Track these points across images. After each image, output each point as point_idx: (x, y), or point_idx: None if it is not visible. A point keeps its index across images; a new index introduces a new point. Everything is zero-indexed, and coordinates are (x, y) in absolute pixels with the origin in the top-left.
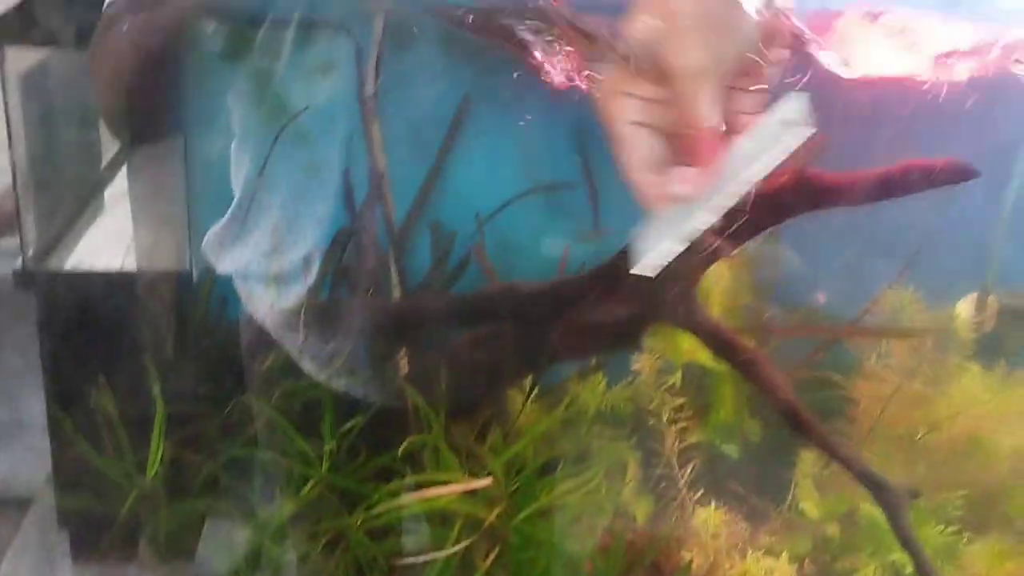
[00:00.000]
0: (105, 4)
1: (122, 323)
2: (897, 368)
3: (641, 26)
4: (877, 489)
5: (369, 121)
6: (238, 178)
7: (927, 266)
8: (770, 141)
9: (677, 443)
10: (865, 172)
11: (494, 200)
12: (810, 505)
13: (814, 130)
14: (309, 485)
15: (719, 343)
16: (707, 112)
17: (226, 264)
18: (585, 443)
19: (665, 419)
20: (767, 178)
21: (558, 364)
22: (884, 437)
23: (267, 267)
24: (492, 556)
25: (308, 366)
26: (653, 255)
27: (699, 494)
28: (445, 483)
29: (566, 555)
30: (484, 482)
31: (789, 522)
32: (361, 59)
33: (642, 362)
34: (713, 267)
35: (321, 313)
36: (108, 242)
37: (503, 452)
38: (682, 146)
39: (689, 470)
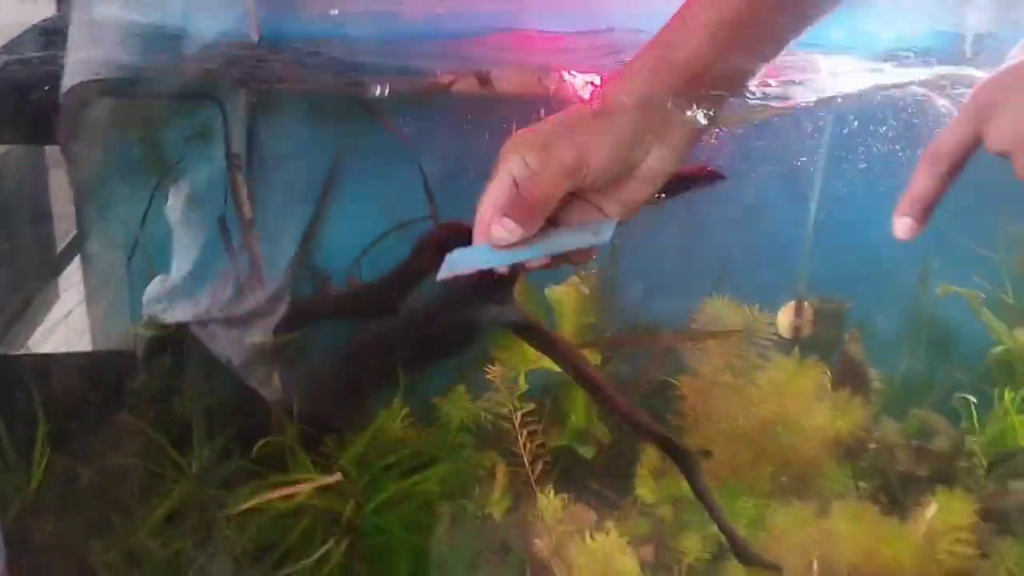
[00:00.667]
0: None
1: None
2: (716, 365)
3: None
4: (676, 454)
5: (235, 176)
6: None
7: (747, 279)
8: (576, 238)
9: (531, 445)
10: None
11: (365, 239)
12: (646, 491)
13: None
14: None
15: (537, 338)
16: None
17: (178, 314)
18: (452, 450)
19: (517, 424)
20: None
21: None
22: (707, 423)
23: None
24: (345, 544)
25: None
26: (449, 269)
27: (549, 488)
28: (298, 481)
29: (417, 544)
30: (333, 478)
31: (631, 509)
32: (227, 124)
33: (494, 372)
34: (562, 290)
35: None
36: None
37: (350, 449)
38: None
39: (539, 467)
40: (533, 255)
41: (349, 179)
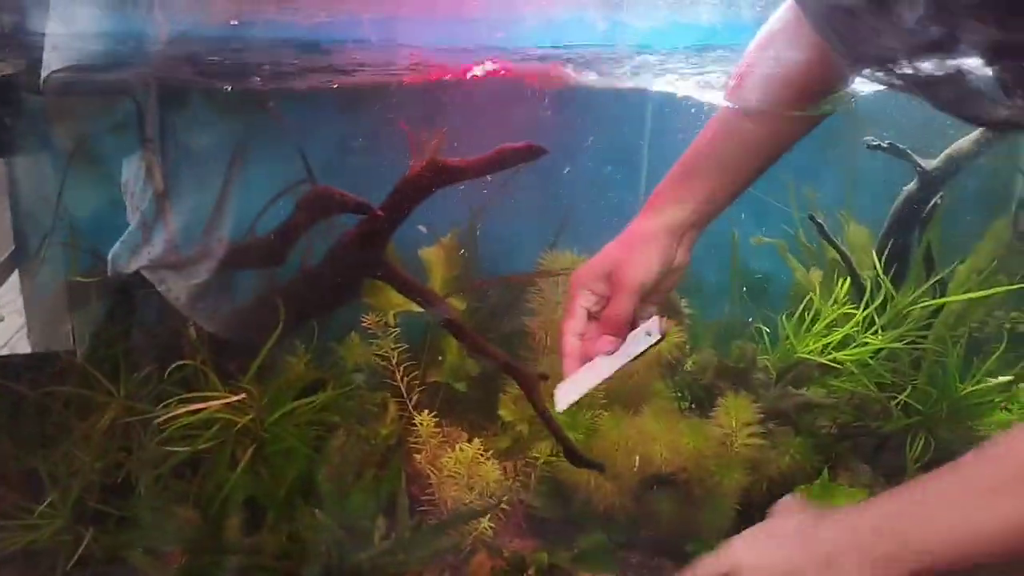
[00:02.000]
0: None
1: None
2: (554, 305)
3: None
4: (517, 374)
5: (149, 158)
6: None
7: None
8: (639, 344)
9: (408, 380)
10: (477, 157)
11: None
12: (507, 412)
13: (661, 339)
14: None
15: (400, 283)
16: (628, 308)
17: (137, 263)
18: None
19: (395, 362)
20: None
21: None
22: (552, 354)
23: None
24: (251, 450)
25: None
26: (564, 402)
27: (430, 414)
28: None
29: (311, 454)
30: (238, 396)
31: (496, 429)
32: (141, 115)
33: (369, 320)
34: (432, 250)
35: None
36: None
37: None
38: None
39: (416, 399)
40: (618, 365)
41: (249, 159)
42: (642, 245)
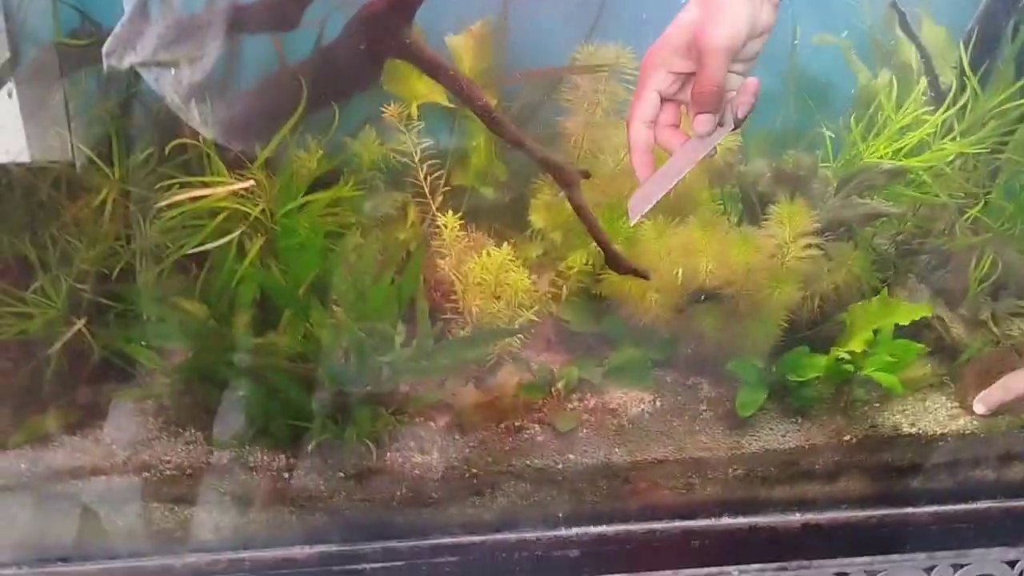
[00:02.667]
0: None
1: None
2: (595, 104)
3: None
4: (557, 171)
5: None
6: None
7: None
8: (705, 142)
9: (432, 180)
10: None
11: None
12: (538, 218)
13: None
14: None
15: (431, 67)
16: (722, 75)
17: (131, 59)
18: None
19: (417, 159)
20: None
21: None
22: (591, 158)
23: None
24: (260, 242)
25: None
26: (637, 212)
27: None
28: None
29: (326, 246)
30: (247, 183)
31: (527, 236)
32: None
33: (390, 110)
34: (460, 39)
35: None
36: None
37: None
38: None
39: (440, 200)
40: (700, 155)
41: None
42: (724, 0)
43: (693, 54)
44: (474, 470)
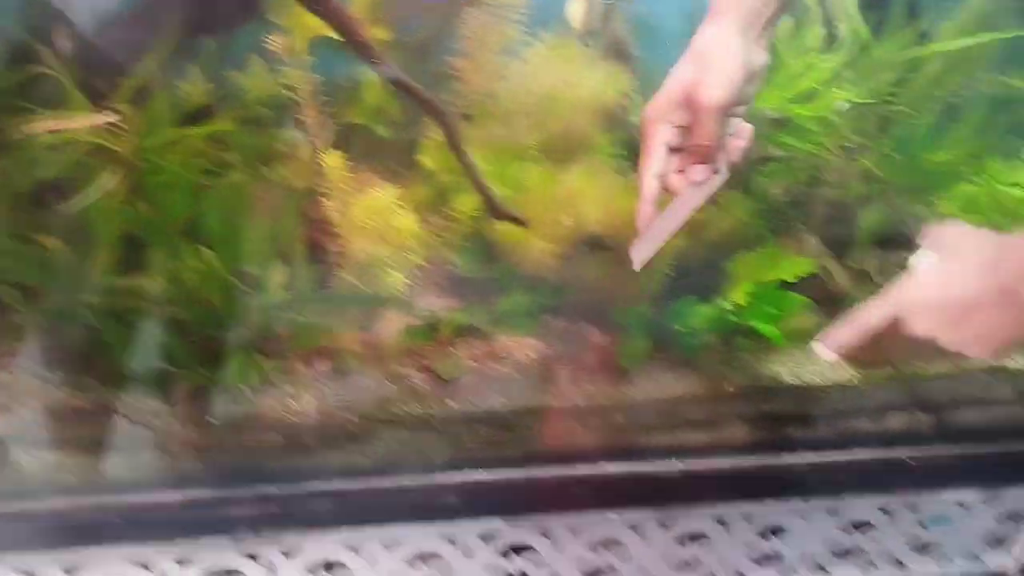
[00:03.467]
0: None
1: None
2: (487, 44)
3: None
4: (435, 112)
5: None
6: None
7: None
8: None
9: (320, 117)
10: None
11: None
12: (428, 159)
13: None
14: None
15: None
16: (718, 128)
17: None
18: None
19: (305, 95)
20: None
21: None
22: (486, 99)
23: None
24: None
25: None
26: (641, 259)
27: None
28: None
29: (199, 185)
30: (108, 116)
31: (415, 177)
32: None
33: (276, 42)
34: None
35: None
36: None
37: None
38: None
39: (328, 139)
40: (703, 197)
41: None
42: (716, 57)
43: (690, 109)
44: (352, 416)
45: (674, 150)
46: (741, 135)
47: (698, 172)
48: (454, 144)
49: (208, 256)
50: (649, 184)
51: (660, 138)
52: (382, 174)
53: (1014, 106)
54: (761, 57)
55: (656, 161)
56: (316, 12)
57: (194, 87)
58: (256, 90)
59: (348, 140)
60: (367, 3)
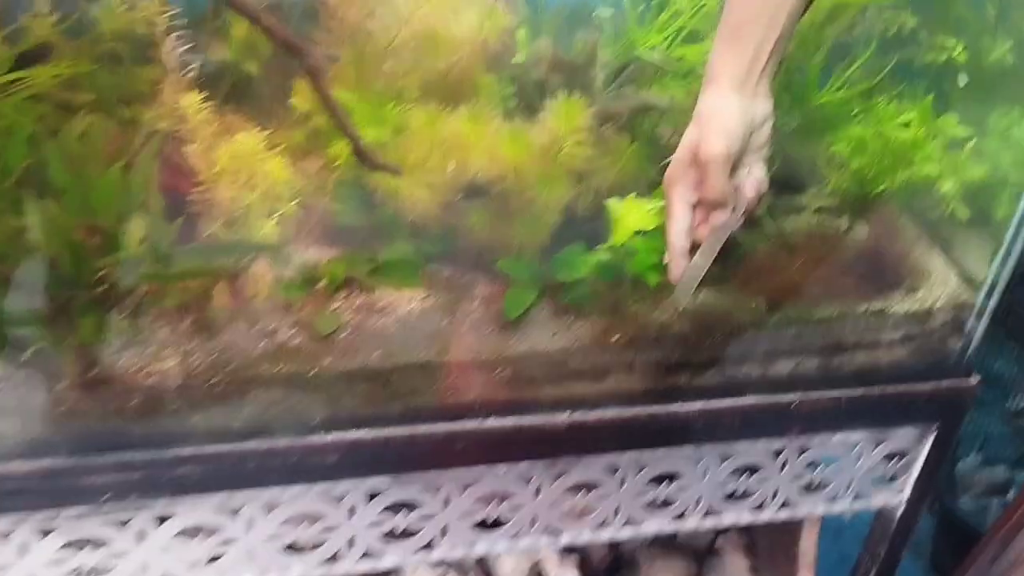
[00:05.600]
0: None
1: None
2: None
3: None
4: (301, 56)
5: None
6: None
7: None
8: (727, 226)
9: (180, 55)
10: None
11: None
12: (300, 100)
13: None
14: None
15: None
16: (725, 185)
17: None
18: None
19: (162, 29)
20: None
21: None
22: (358, 36)
23: None
24: None
25: None
26: (684, 296)
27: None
28: None
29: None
30: None
31: (290, 120)
32: None
33: None
34: None
35: None
36: None
37: None
38: (716, 200)
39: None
40: (713, 254)
41: None
42: (714, 117)
43: (697, 166)
44: (220, 377)
45: (694, 206)
46: (755, 177)
47: (716, 217)
48: (319, 88)
49: (49, 208)
50: (678, 240)
51: (680, 197)
52: (253, 116)
53: (905, 46)
54: (763, 106)
55: (680, 220)
56: None
57: (36, 20)
58: (109, 23)
59: (215, 80)
60: None
